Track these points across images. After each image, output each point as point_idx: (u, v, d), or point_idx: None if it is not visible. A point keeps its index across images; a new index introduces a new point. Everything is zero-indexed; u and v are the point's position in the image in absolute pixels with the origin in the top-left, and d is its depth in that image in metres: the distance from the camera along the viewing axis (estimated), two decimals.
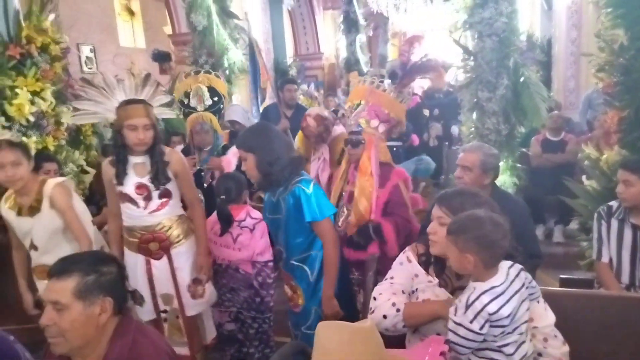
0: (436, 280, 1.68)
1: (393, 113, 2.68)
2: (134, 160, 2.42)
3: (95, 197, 3.81)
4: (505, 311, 1.42)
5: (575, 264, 2.96)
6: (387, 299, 1.66)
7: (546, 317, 1.61)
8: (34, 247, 2.53)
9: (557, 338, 1.59)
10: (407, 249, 1.81)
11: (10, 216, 2.50)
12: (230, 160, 3.46)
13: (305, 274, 2.28)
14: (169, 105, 2.71)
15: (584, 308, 1.89)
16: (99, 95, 2.38)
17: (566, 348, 1.59)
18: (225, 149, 3.60)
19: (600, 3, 2.97)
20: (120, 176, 2.41)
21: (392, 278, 1.74)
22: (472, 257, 1.45)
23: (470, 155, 2.46)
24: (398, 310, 1.62)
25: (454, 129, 6.82)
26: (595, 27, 3.14)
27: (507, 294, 1.45)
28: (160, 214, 2.47)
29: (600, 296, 2.08)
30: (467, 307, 1.44)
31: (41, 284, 2.55)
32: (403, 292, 1.70)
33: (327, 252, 2.22)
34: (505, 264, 1.51)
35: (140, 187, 2.41)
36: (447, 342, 1.53)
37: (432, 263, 1.71)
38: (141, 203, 2.43)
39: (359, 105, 2.69)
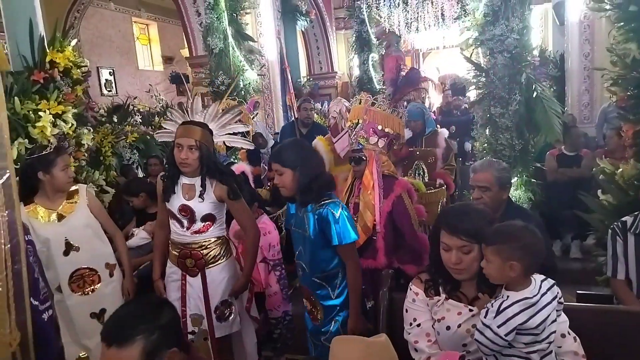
0: (443, 296, 1.71)
1: (389, 128, 2.80)
2: (184, 180, 2.47)
3: (115, 217, 3.90)
4: (535, 322, 1.48)
5: (592, 279, 2.92)
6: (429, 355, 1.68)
7: (562, 314, 1.64)
8: (73, 248, 2.59)
9: (570, 335, 1.63)
10: (411, 284, 1.82)
11: (35, 224, 2.53)
12: None
13: (326, 292, 2.28)
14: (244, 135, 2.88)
15: (602, 323, 1.87)
16: (180, 117, 2.49)
17: (578, 342, 1.63)
18: (229, 165, 3.74)
19: (612, 17, 2.99)
20: (167, 193, 2.47)
21: (415, 320, 1.75)
22: (517, 264, 1.50)
23: (483, 174, 2.44)
24: None
25: (467, 145, 6.82)
26: (608, 41, 3.15)
27: (538, 305, 1.50)
28: (201, 236, 2.50)
29: (618, 311, 2.05)
30: (498, 312, 1.49)
31: (74, 299, 2.59)
32: (433, 326, 1.71)
33: (350, 274, 2.23)
34: (538, 277, 1.56)
35: (184, 209, 2.45)
36: (462, 357, 1.54)
37: (441, 284, 1.74)
38: (185, 223, 2.47)
39: (357, 124, 2.79)
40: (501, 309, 1.50)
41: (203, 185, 2.43)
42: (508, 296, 1.52)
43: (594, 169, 3.46)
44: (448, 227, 1.65)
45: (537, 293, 1.51)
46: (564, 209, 4.37)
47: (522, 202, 3.79)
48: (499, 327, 1.48)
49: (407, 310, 1.79)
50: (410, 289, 1.80)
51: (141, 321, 1.33)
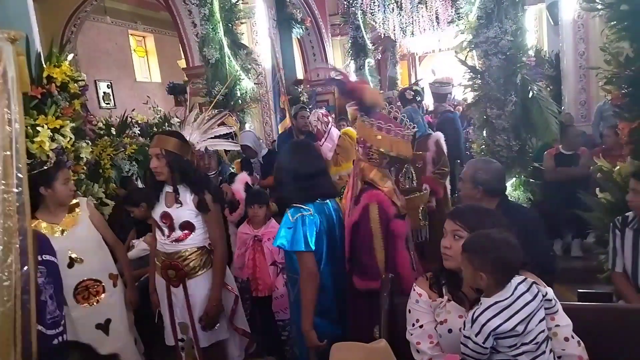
0: (445, 299, 1.70)
1: (362, 136, 2.38)
2: (167, 189, 2.55)
3: (114, 229, 3.89)
4: (509, 325, 1.44)
5: (594, 277, 2.91)
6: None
7: (565, 317, 1.61)
8: (77, 261, 2.58)
9: (574, 338, 1.60)
10: (415, 284, 1.82)
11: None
12: (239, 188, 3.57)
13: (290, 292, 2.38)
14: (230, 136, 3.10)
15: (603, 321, 1.86)
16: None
17: (582, 346, 1.60)
18: (232, 177, 3.72)
19: (604, 17, 3.00)
20: (151, 201, 2.56)
21: (418, 321, 1.74)
22: (485, 276, 1.49)
23: (467, 167, 2.56)
24: None
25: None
26: (602, 40, 3.16)
27: (512, 308, 1.46)
28: (181, 245, 2.54)
29: (618, 309, 2.05)
30: (473, 321, 1.48)
31: (79, 310, 2.58)
32: (435, 328, 1.70)
33: (301, 284, 2.21)
34: (515, 279, 1.52)
35: (165, 216, 2.51)
36: None
37: (445, 284, 1.73)
38: (165, 231, 2.53)
39: None
40: (474, 317, 1.48)
41: (175, 190, 2.49)
42: (481, 302, 1.51)
43: (591, 167, 3.46)
44: (450, 213, 1.73)
45: (511, 295, 1.48)
46: (563, 208, 4.36)
47: (521, 203, 3.79)
48: (476, 335, 1.46)
49: (410, 311, 1.79)
50: (414, 290, 1.80)
51: None
